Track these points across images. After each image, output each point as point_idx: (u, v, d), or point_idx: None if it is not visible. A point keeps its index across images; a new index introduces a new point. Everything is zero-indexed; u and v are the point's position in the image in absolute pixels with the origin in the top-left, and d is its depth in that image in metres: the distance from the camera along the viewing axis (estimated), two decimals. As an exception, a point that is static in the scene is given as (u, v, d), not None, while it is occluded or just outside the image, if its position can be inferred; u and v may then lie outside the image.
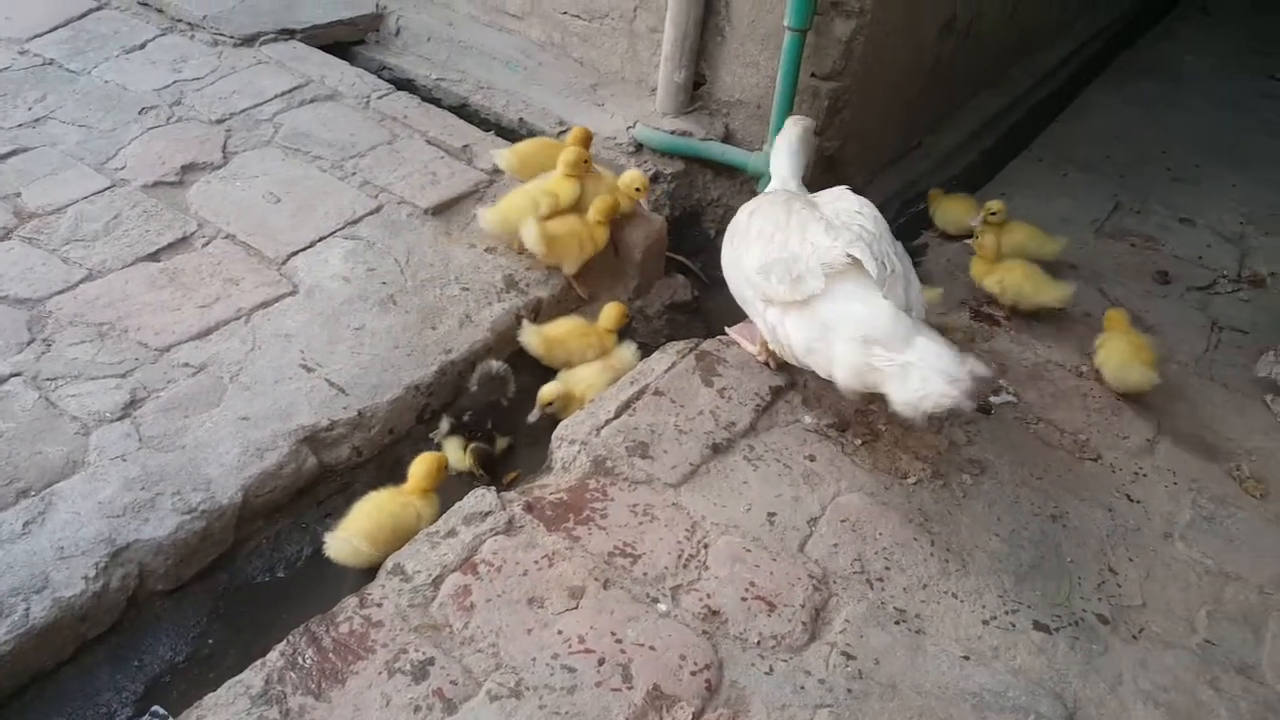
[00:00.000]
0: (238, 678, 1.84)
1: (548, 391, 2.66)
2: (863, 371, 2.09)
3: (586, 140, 3.12)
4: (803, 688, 1.94)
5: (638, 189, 3.07)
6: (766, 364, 2.66)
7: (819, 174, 3.46)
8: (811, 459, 2.46)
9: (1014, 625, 2.14)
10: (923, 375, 1.98)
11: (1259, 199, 4.08)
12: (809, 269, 2.15)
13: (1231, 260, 3.64)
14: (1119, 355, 2.80)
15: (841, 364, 2.13)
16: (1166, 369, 2.98)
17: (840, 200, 2.37)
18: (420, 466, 2.35)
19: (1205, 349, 3.14)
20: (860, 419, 2.61)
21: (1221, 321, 3.29)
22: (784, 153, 2.65)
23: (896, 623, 2.10)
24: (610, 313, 2.88)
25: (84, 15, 3.89)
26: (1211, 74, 5.30)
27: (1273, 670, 2.14)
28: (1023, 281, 3.05)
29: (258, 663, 1.87)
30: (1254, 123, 4.82)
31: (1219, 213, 3.94)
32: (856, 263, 2.11)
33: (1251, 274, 3.57)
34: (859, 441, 2.54)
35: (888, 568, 2.22)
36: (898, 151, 3.95)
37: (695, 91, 3.49)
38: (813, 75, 3.22)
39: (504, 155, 3.13)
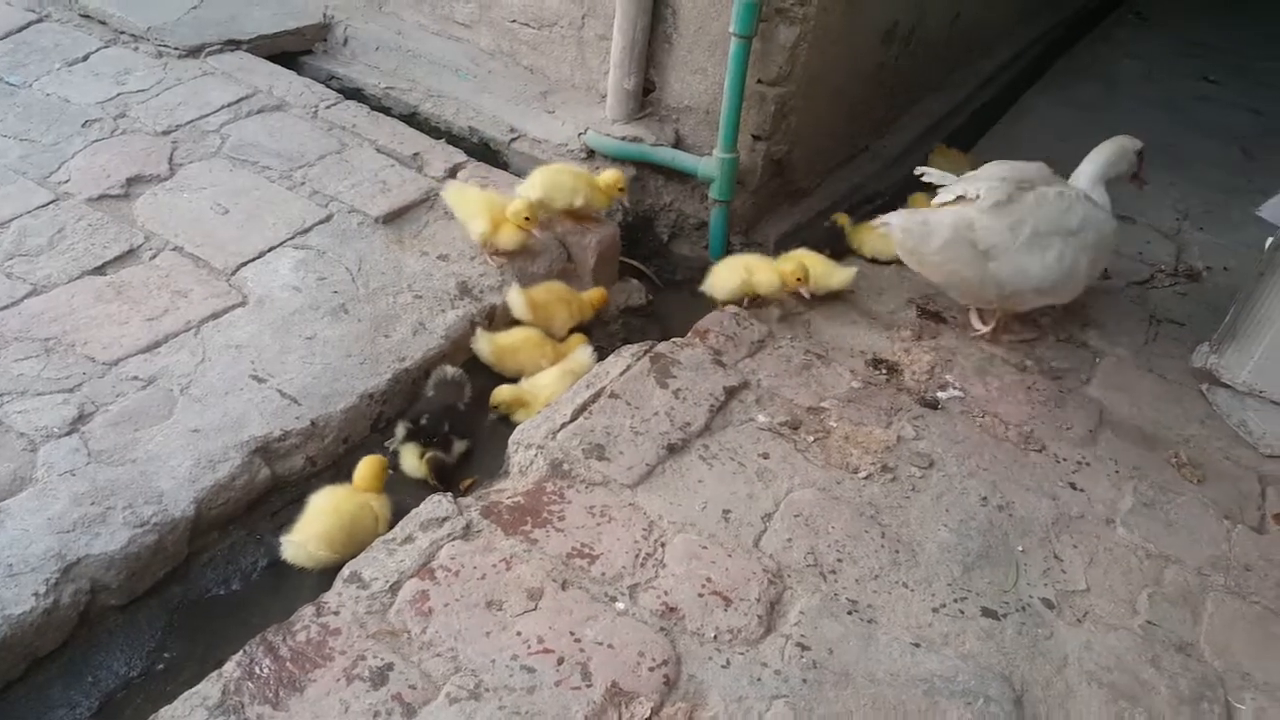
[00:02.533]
0: (194, 689, 1.83)
1: (499, 394, 2.70)
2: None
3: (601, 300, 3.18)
4: (759, 679, 1.97)
5: (620, 189, 3.23)
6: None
7: (768, 177, 3.52)
8: (765, 456, 2.50)
9: (963, 612, 2.19)
10: None
11: (1194, 196, 4.21)
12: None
13: (1168, 255, 3.75)
14: None
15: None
16: (1108, 362, 3.08)
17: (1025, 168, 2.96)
18: (365, 470, 2.36)
19: (1144, 341, 3.23)
20: (812, 417, 2.65)
21: (1159, 314, 3.39)
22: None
23: (849, 613, 2.14)
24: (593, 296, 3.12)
25: (24, 28, 3.83)
26: (1147, 77, 5.46)
27: (1210, 647, 2.21)
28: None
29: (214, 674, 1.85)
30: (1189, 123, 4.98)
31: (1156, 210, 4.06)
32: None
33: (1188, 268, 3.69)
34: (811, 438, 2.58)
35: (840, 560, 2.26)
36: (845, 155, 4.02)
37: (645, 98, 3.52)
38: (759, 81, 3.27)
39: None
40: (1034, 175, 2.88)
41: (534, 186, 3.11)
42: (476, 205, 3.02)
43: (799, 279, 2.99)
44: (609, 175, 3.24)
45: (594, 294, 3.12)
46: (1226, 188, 4.33)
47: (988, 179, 2.82)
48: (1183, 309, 3.43)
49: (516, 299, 2.92)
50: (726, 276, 3.06)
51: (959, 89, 4.77)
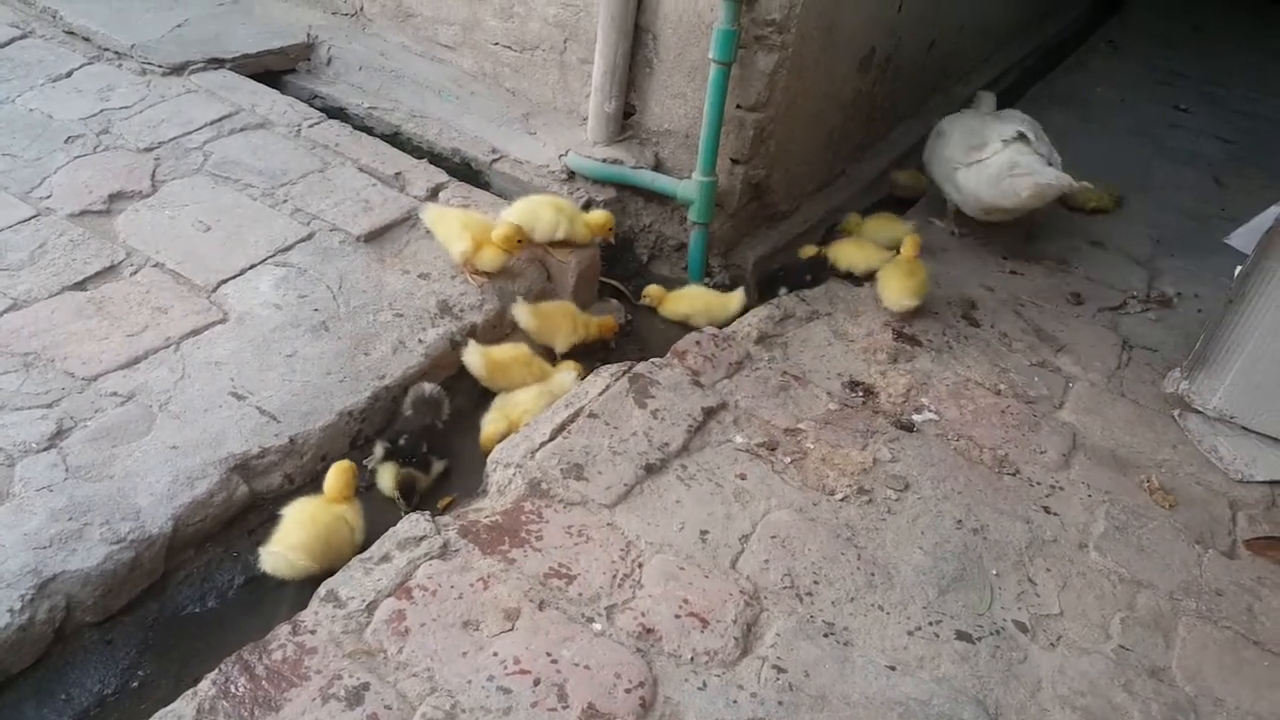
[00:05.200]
0: (168, 708, 1.82)
1: (489, 435, 2.68)
2: (1003, 180, 3.53)
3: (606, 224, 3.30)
4: (735, 701, 1.98)
5: (609, 230, 3.28)
6: (952, 232, 3.94)
7: (747, 200, 3.55)
8: (742, 477, 2.52)
9: (938, 635, 2.21)
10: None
11: (1166, 222, 4.28)
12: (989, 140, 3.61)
13: (1140, 281, 3.81)
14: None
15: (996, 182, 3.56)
16: (1081, 387, 3.12)
17: (1012, 114, 3.86)
18: (334, 480, 2.36)
19: (1117, 367, 3.28)
20: (789, 438, 2.68)
21: (1132, 340, 3.44)
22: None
23: (825, 635, 2.15)
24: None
25: (7, 43, 3.83)
26: (1119, 104, 5.55)
27: (1182, 672, 2.24)
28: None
29: (189, 692, 1.85)
30: (1160, 150, 5.07)
31: (1128, 236, 4.13)
32: (1021, 136, 3.55)
33: (1159, 294, 3.74)
34: (788, 460, 2.60)
35: (816, 582, 2.28)
36: (823, 179, 4.06)
37: (625, 121, 3.55)
38: (738, 106, 3.31)
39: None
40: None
41: (514, 217, 3.11)
42: (457, 226, 3.03)
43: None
44: (599, 216, 3.25)
45: (604, 320, 3.17)
46: (1198, 214, 4.41)
47: (1020, 123, 3.63)
48: (1155, 335, 3.48)
49: (521, 311, 2.95)
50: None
51: (935, 115, 4.81)
